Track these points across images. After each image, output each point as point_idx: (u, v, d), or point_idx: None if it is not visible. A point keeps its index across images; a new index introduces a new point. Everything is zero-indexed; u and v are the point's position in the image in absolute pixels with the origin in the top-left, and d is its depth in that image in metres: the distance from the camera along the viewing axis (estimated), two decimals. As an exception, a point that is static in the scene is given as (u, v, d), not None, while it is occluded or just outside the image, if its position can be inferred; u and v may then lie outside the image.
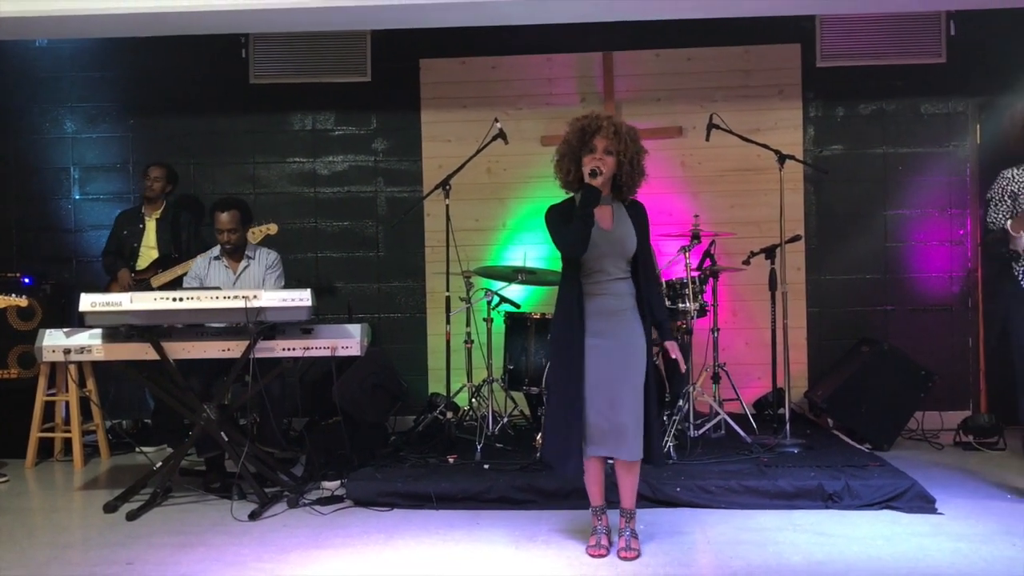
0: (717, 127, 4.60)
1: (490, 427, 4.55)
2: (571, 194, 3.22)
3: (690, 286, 4.47)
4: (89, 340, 3.93)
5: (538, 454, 4.14)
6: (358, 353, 4.00)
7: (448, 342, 4.84)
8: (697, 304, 4.52)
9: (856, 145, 5.47)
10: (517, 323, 4.69)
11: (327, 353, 3.95)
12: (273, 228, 4.87)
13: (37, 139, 5.76)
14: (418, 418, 5.03)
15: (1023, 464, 3.90)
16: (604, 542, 3.23)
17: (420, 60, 5.59)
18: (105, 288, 5.08)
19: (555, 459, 3.18)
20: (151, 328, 3.87)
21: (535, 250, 5.37)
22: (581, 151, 3.09)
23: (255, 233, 4.77)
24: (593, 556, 3.19)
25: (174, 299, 3.84)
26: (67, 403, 4.91)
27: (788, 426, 4.43)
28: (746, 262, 4.87)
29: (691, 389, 4.49)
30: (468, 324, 4.78)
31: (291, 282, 4.73)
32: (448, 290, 4.84)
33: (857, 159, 5.47)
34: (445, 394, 4.91)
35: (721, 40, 5.40)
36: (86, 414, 4.98)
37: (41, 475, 4.72)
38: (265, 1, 4.30)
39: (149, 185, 5.16)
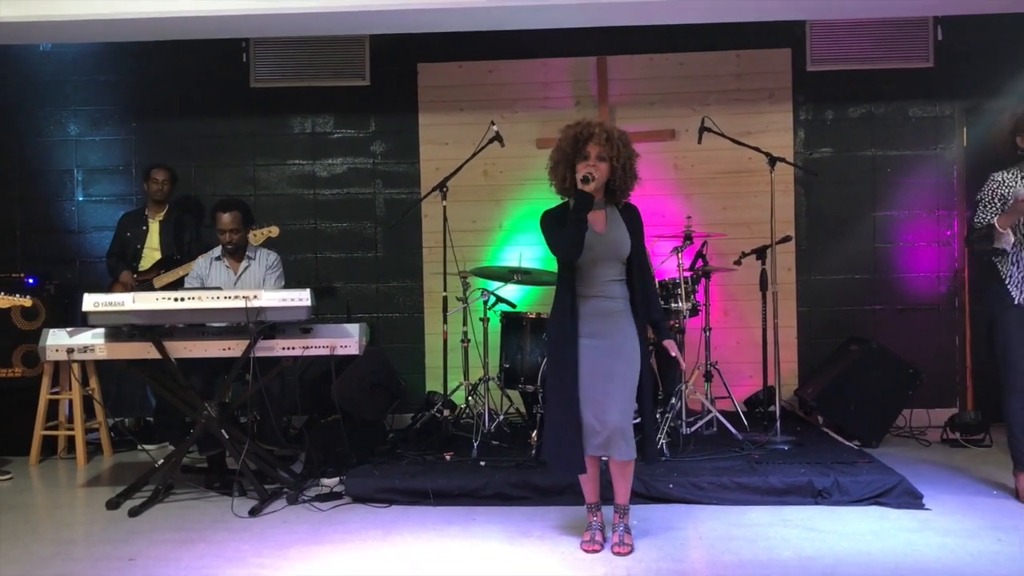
0: (709, 130, 4.63)
1: (486, 425, 4.57)
2: (566, 199, 3.25)
3: (682, 286, 4.50)
4: (92, 339, 3.95)
5: (533, 451, 4.18)
6: (357, 352, 4.01)
7: (445, 341, 4.86)
8: (689, 304, 4.54)
9: (845, 148, 5.51)
10: (513, 322, 4.70)
11: (326, 352, 3.96)
12: (275, 231, 4.89)
13: (41, 142, 5.78)
14: (416, 416, 5.06)
15: (1008, 460, 3.85)
16: (598, 538, 3.26)
17: (418, 64, 5.62)
18: (108, 289, 5.08)
19: (554, 459, 3.21)
20: (153, 328, 3.88)
21: (531, 251, 5.41)
22: (575, 158, 3.12)
23: (257, 235, 4.78)
24: (587, 551, 3.22)
25: (175, 299, 3.85)
26: (70, 401, 4.93)
27: (779, 423, 4.46)
28: (737, 262, 4.89)
29: (683, 387, 4.51)
30: (465, 323, 4.80)
31: (291, 282, 4.76)
32: (445, 290, 4.85)
33: (846, 161, 5.50)
34: (442, 392, 4.91)
35: (713, 45, 5.44)
36: (89, 412, 5.00)
37: (45, 472, 4.74)
38: (266, 6, 4.32)
39: (158, 188, 5.18)
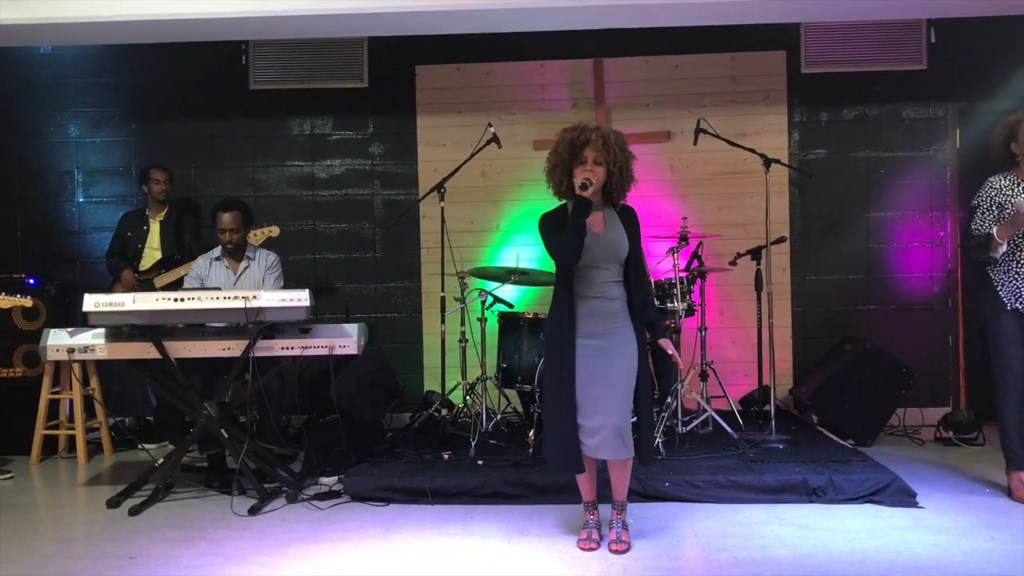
0: (704, 132, 4.65)
1: (484, 424, 4.59)
2: (564, 201, 3.26)
3: (678, 286, 4.51)
4: (92, 339, 3.95)
5: (531, 450, 4.19)
6: (355, 352, 4.02)
7: (443, 341, 4.87)
8: (685, 304, 4.56)
9: (839, 149, 5.53)
10: (510, 322, 4.70)
11: (325, 352, 3.97)
12: (275, 230, 4.91)
13: (42, 143, 5.80)
14: (414, 415, 5.09)
15: (1001, 459, 3.86)
16: (595, 536, 3.27)
17: (416, 66, 5.64)
18: (108, 288, 5.11)
19: (552, 458, 3.22)
20: (153, 328, 3.88)
21: (528, 251, 5.43)
22: (571, 162, 3.13)
23: (257, 235, 4.80)
24: (584, 549, 3.23)
25: (175, 299, 3.85)
26: (71, 401, 4.95)
27: (773, 422, 4.48)
28: (733, 263, 4.91)
29: (679, 387, 4.53)
30: (463, 323, 4.82)
31: (290, 283, 4.79)
32: (443, 290, 4.86)
33: (840, 163, 5.52)
34: (440, 392, 4.92)
35: (708, 47, 5.47)
36: (90, 412, 5.01)
37: (45, 471, 4.75)
38: (265, 9, 4.34)
39: (160, 188, 5.19)
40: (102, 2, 4.35)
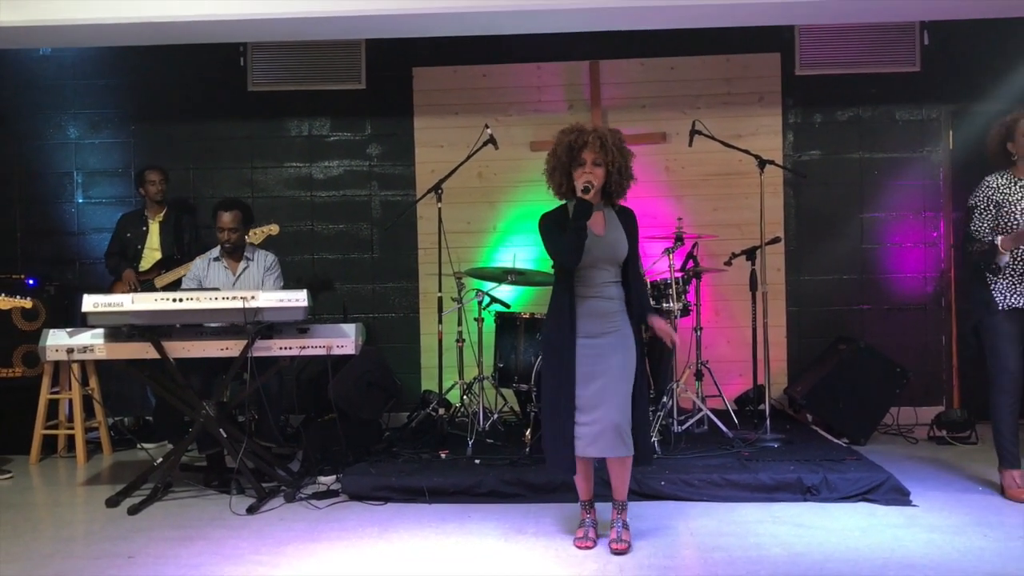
0: (700, 133, 4.66)
1: (481, 423, 4.60)
2: (564, 201, 3.27)
3: (674, 286, 4.51)
4: (91, 340, 3.96)
5: (527, 449, 4.20)
6: (353, 352, 4.04)
7: (440, 341, 4.88)
8: (680, 304, 4.56)
9: (833, 150, 5.56)
10: (507, 322, 4.72)
11: (323, 352, 3.99)
12: (274, 229, 4.93)
13: (41, 145, 5.81)
14: (411, 415, 5.10)
15: (994, 457, 3.87)
16: (591, 535, 3.28)
17: (413, 68, 5.66)
18: (109, 289, 5.12)
19: (551, 459, 3.22)
20: (152, 328, 3.89)
21: (524, 252, 5.44)
22: (570, 165, 3.14)
23: (256, 234, 4.81)
24: (580, 548, 3.24)
25: (174, 300, 3.86)
26: (70, 401, 4.95)
27: (768, 421, 4.49)
28: (728, 263, 4.93)
29: (675, 386, 4.55)
30: (460, 323, 4.83)
31: (288, 283, 4.81)
32: (440, 291, 4.88)
33: (834, 164, 5.55)
34: (437, 391, 4.94)
35: (704, 49, 5.49)
36: (89, 411, 5.01)
37: (45, 471, 4.75)
38: (263, 11, 4.34)
39: (156, 189, 5.20)
40: (101, 4, 4.36)
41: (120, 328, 3.93)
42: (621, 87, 5.58)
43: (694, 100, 5.53)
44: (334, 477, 4.10)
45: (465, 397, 4.84)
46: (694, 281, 4.81)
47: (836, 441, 4.59)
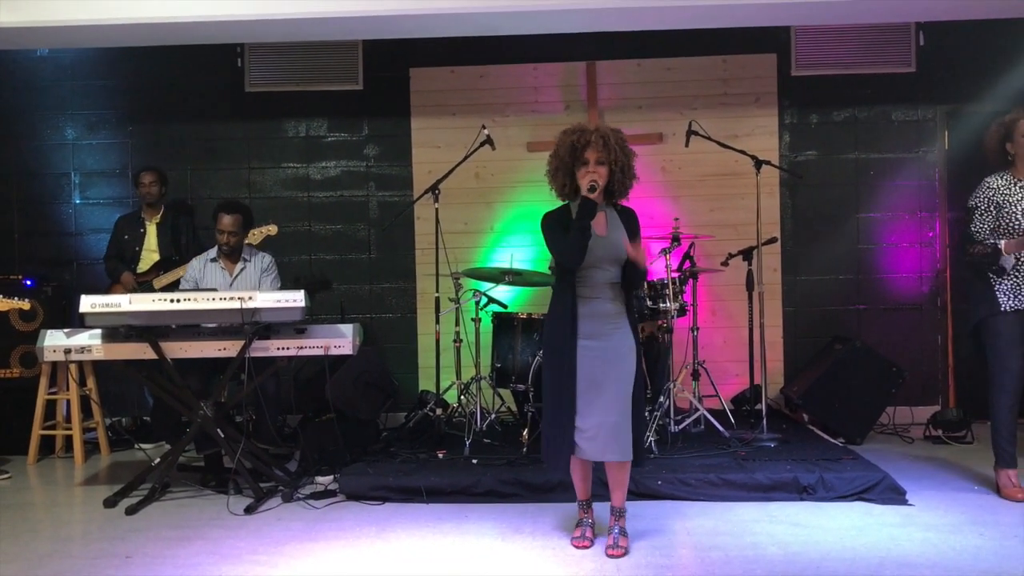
0: (696, 134, 4.67)
1: (478, 423, 4.60)
2: (566, 201, 3.27)
3: (670, 287, 4.52)
4: (89, 340, 3.96)
5: (524, 449, 4.21)
6: (350, 352, 4.04)
7: (438, 341, 4.88)
8: (677, 304, 4.56)
9: (829, 151, 5.57)
10: (504, 323, 4.72)
11: (320, 352, 3.99)
12: (273, 229, 4.93)
13: (39, 145, 5.81)
14: (409, 415, 5.10)
15: (989, 456, 3.87)
16: (588, 534, 3.29)
17: (410, 69, 5.67)
18: (107, 290, 5.09)
19: (551, 459, 3.23)
20: (149, 328, 3.90)
21: (521, 252, 5.46)
22: (573, 165, 3.14)
23: (255, 234, 4.81)
24: (577, 547, 3.26)
25: (172, 300, 3.87)
26: (68, 401, 4.96)
27: (765, 421, 4.50)
28: (724, 263, 4.94)
29: (672, 386, 4.56)
30: (457, 324, 4.84)
31: (287, 283, 4.82)
32: (438, 291, 4.89)
33: (830, 164, 5.57)
34: (435, 391, 4.95)
35: (700, 50, 5.50)
36: (86, 412, 5.03)
37: (43, 471, 4.76)
38: (260, 12, 4.35)
39: (147, 191, 5.20)
40: (99, 5, 4.37)
41: (118, 329, 3.94)
42: (618, 88, 5.60)
43: (690, 101, 5.54)
44: (332, 477, 4.10)
45: (462, 397, 4.84)
46: (691, 281, 4.82)
47: (832, 441, 4.60)
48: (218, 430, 4.02)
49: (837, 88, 5.54)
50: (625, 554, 3.19)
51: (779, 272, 5.55)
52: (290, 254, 5.63)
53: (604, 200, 3.22)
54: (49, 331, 4.03)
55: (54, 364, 4.83)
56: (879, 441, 4.93)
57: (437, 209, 4.87)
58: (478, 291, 4.83)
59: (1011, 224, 3.70)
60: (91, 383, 4.98)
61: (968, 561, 3.07)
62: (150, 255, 5.20)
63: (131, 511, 3.81)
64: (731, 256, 4.93)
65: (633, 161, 3.20)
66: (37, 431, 4.89)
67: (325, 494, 3.98)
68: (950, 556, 3.12)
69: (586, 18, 4.53)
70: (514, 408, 5.03)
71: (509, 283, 4.83)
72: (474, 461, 4.19)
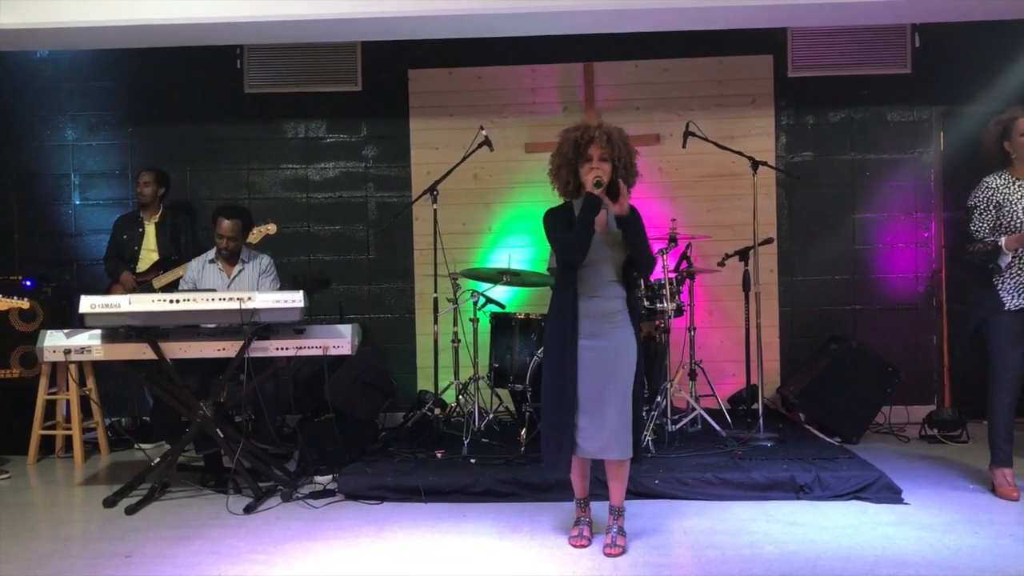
0: (693, 135, 4.68)
1: (476, 423, 4.61)
2: (569, 200, 3.27)
3: (667, 287, 4.54)
4: (89, 340, 3.96)
5: (522, 448, 4.23)
6: (349, 352, 4.05)
7: (436, 341, 4.90)
8: (674, 304, 4.58)
9: (826, 152, 5.59)
10: (502, 323, 4.73)
11: (319, 352, 4.00)
12: (272, 228, 4.93)
13: (38, 146, 5.82)
14: (407, 415, 5.10)
15: (985, 456, 3.90)
16: (586, 533, 3.30)
17: (409, 70, 5.68)
18: (106, 292, 5.09)
19: (550, 458, 3.21)
20: (149, 329, 3.90)
21: (519, 253, 5.49)
22: (577, 162, 3.13)
23: (254, 233, 4.81)
24: (575, 546, 3.27)
25: (171, 300, 3.87)
26: (68, 401, 4.97)
27: (761, 420, 4.51)
28: (721, 264, 4.96)
29: (669, 385, 4.58)
30: (455, 324, 4.85)
31: (286, 283, 4.83)
32: (436, 291, 4.90)
33: (826, 165, 5.58)
34: (433, 391, 4.96)
35: (697, 51, 5.51)
36: (86, 412, 5.03)
37: (43, 471, 4.76)
38: (259, 14, 4.36)
39: (140, 191, 5.22)
40: (98, 7, 4.37)
41: (117, 329, 3.95)
42: (615, 89, 5.61)
43: (687, 102, 5.55)
44: (330, 477, 4.11)
45: (461, 397, 4.85)
46: (688, 282, 4.83)
47: (828, 440, 4.61)
48: (217, 430, 4.03)
49: (833, 89, 5.55)
50: (623, 553, 3.19)
51: (775, 272, 5.56)
52: (289, 255, 5.64)
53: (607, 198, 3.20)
54: (49, 331, 4.04)
55: (54, 364, 4.84)
56: (875, 440, 4.95)
57: (435, 210, 4.88)
58: (476, 291, 4.84)
59: (1012, 223, 3.71)
60: (91, 383, 4.98)
61: (963, 560, 3.08)
62: (149, 255, 5.21)
63: (131, 511, 3.82)
64: (728, 256, 4.94)
65: (635, 158, 3.20)
66: (37, 431, 4.90)
67: (324, 494, 3.99)
68: (945, 555, 3.13)
69: (584, 20, 4.54)
70: (512, 408, 5.04)
71: (507, 283, 4.84)
72: (472, 461, 4.20)
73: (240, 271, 4.62)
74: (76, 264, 5.81)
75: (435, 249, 4.86)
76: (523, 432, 4.33)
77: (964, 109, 5.40)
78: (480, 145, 4.86)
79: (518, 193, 5.57)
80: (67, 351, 3.97)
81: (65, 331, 4.03)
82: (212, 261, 4.62)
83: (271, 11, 4.36)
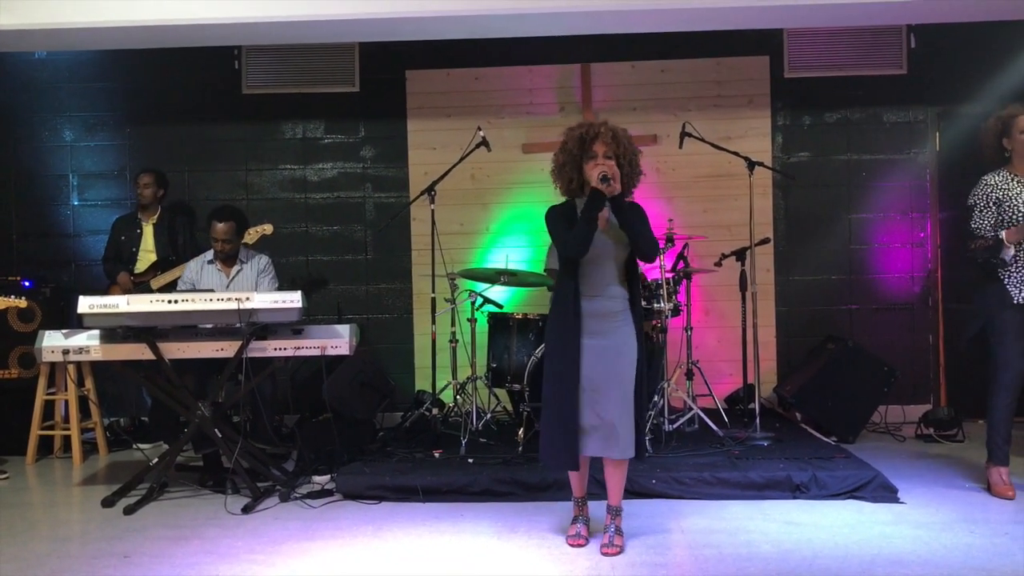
0: (690, 135, 4.69)
1: (474, 423, 4.61)
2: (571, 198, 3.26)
3: (664, 287, 4.54)
4: (87, 341, 3.96)
5: (520, 448, 4.24)
6: (347, 352, 4.05)
7: (434, 341, 4.91)
8: (671, 304, 4.58)
9: (822, 152, 5.61)
10: (500, 323, 4.73)
11: (317, 352, 4.00)
12: (268, 228, 4.94)
13: (37, 147, 5.82)
14: (405, 415, 5.11)
15: (980, 455, 3.92)
16: (584, 532, 3.31)
17: (406, 71, 5.69)
18: (105, 291, 5.11)
19: (551, 458, 3.20)
20: (147, 329, 3.90)
21: (517, 253, 5.49)
22: (582, 158, 3.13)
23: (251, 234, 4.82)
24: (572, 545, 3.27)
25: (169, 301, 3.87)
26: (66, 402, 4.96)
27: (758, 420, 4.54)
28: (718, 264, 4.96)
29: (666, 385, 4.59)
30: (453, 324, 4.84)
31: (284, 284, 4.83)
32: (434, 291, 4.90)
33: (823, 165, 5.60)
34: (431, 391, 4.97)
35: (694, 52, 5.53)
36: (85, 412, 5.03)
37: (41, 471, 4.76)
38: (257, 15, 4.36)
39: (140, 192, 5.23)
40: (96, 8, 4.37)
41: (116, 329, 3.94)
42: (612, 90, 5.62)
43: (684, 102, 5.57)
44: (328, 477, 4.11)
45: (458, 397, 4.86)
46: (684, 282, 4.84)
47: (825, 439, 4.62)
48: (216, 430, 4.03)
49: (829, 90, 5.57)
50: (620, 552, 3.20)
51: (772, 272, 5.58)
52: (287, 255, 5.65)
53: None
54: (47, 332, 4.03)
55: (52, 365, 4.83)
56: (871, 440, 4.95)
57: (433, 210, 4.89)
58: (474, 291, 4.85)
59: (1013, 219, 3.71)
60: (89, 384, 4.99)
61: (959, 558, 3.09)
62: (147, 256, 5.22)
63: (129, 511, 3.82)
64: (724, 256, 4.95)
65: (639, 158, 3.20)
66: (35, 431, 4.89)
67: (322, 493, 3.99)
68: (941, 553, 3.14)
69: (581, 21, 4.54)
70: (510, 407, 5.04)
71: (504, 283, 4.84)
72: (470, 460, 4.21)
73: (239, 271, 4.62)
74: (74, 265, 5.82)
75: (433, 249, 4.86)
76: (521, 432, 4.34)
77: (960, 109, 5.42)
78: (478, 146, 4.87)
79: (515, 193, 5.58)
80: (65, 351, 3.97)
81: (63, 331, 4.02)
82: (210, 262, 4.63)
83: (269, 12, 4.37)
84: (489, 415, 4.82)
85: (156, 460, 4.17)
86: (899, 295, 5.57)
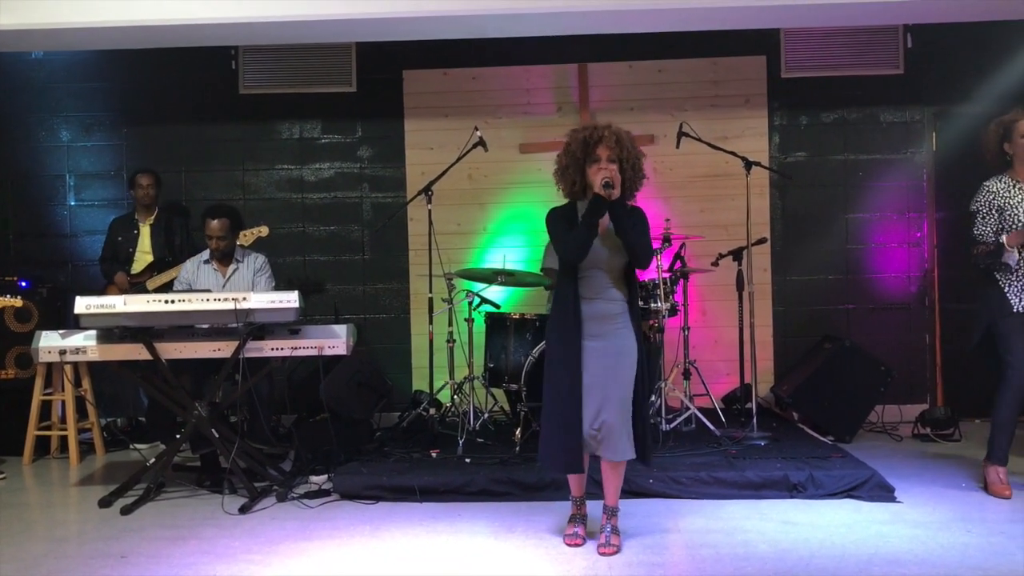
0: (687, 135, 4.69)
1: (471, 423, 4.61)
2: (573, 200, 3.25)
3: (661, 287, 4.55)
4: (84, 341, 3.95)
5: (517, 448, 4.24)
6: (344, 352, 4.05)
7: (431, 341, 4.90)
8: (668, 304, 4.59)
9: (819, 152, 5.61)
10: (497, 323, 4.73)
11: (314, 353, 4.00)
12: (264, 230, 4.94)
13: (34, 147, 5.81)
14: (402, 414, 5.12)
15: (977, 455, 3.94)
16: (581, 532, 3.30)
17: (403, 71, 5.69)
18: (102, 292, 5.10)
19: (551, 460, 3.20)
20: (144, 329, 3.90)
21: (514, 253, 5.49)
22: (584, 161, 3.12)
23: (246, 235, 4.82)
24: (569, 545, 3.27)
25: (166, 301, 3.87)
26: (63, 402, 4.96)
27: (755, 420, 4.53)
28: (715, 264, 4.97)
29: (663, 385, 4.59)
30: (450, 324, 4.85)
31: (281, 284, 4.83)
32: (431, 291, 4.89)
33: (820, 165, 5.61)
34: (428, 391, 4.95)
35: (691, 52, 5.53)
36: (81, 412, 5.03)
37: (38, 472, 4.75)
38: (255, 15, 4.36)
39: (144, 193, 5.21)
40: (93, 8, 4.37)
41: (112, 330, 3.94)
42: (609, 90, 5.63)
43: (681, 102, 5.57)
44: (326, 476, 4.11)
45: (456, 397, 4.86)
46: (681, 281, 4.85)
47: (822, 439, 4.63)
48: (213, 430, 4.03)
49: (826, 90, 5.58)
50: (617, 552, 3.20)
51: (769, 272, 5.59)
52: (284, 255, 5.65)
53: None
54: (44, 332, 4.03)
55: (49, 365, 4.81)
56: (868, 439, 4.96)
57: (430, 210, 4.88)
58: (471, 291, 4.84)
59: (1014, 225, 3.72)
60: (86, 384, 4.98)
61: (955, 557, 3.09)
62: (144, 256, 5.22)
63: (126, 511, 3.82)
64: (721, 256, 4.96)
65: (642, 161, 3.19)
66: (32, 432, 4.89)
67: (319, 493, 3.99)
68: (937, 552, 3.14)
69: (577, 21, 4.55)
70: (507, 407, 5.05)
71: (502, 284, 4.83)
72: (467, 460, 4.21)
73: (235, 270, 4.62)
74: (71, 265, 5.81)
75: (430, 249, 4.85)
76: (518, 432, 4.33)
77: (956, 109, 5.43)
78: (475, 146, 4.86)
79: (512, 193, 5.58)
80: (62, 352, 3.96)
81: (60, 332, 4.02)
82: (207, 261, 4.63)
83: (266, 12, 4.37)
84: (486, 415, 4.83)
85: (153, 460, 4.16)
86: (896, 295, 5.58)
